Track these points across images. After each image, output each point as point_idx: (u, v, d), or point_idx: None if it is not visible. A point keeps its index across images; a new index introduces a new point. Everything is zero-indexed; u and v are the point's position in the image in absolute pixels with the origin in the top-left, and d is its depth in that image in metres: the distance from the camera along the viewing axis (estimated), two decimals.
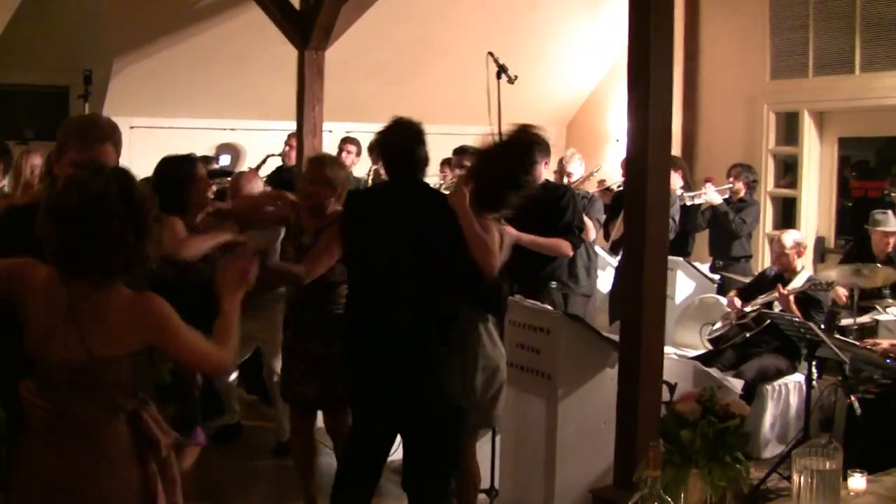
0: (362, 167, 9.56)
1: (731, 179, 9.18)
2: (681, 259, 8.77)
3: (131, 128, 9.69)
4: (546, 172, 6.62)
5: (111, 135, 3.68)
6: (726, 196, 9.12)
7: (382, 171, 8.65)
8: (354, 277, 4.83)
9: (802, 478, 2.95)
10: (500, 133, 5.80)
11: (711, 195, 9.04)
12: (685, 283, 8.69)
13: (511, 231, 6.16)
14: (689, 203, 9.07)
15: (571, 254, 6.47)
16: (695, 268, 8.84)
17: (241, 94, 10.05)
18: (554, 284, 6.63)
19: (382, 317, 4.58)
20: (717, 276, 8.86)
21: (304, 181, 5.42)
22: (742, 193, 9.15)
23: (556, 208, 6.48)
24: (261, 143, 9.95)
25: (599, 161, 10.62)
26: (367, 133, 9.91)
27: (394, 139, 4.79)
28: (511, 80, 5.89)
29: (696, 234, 9.67)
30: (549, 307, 5.74)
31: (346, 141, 9.56)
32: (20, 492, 3.19)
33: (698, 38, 10.71)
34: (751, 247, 9.36)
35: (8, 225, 3.53)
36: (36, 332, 3.12)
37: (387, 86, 10.43)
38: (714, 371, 6.79)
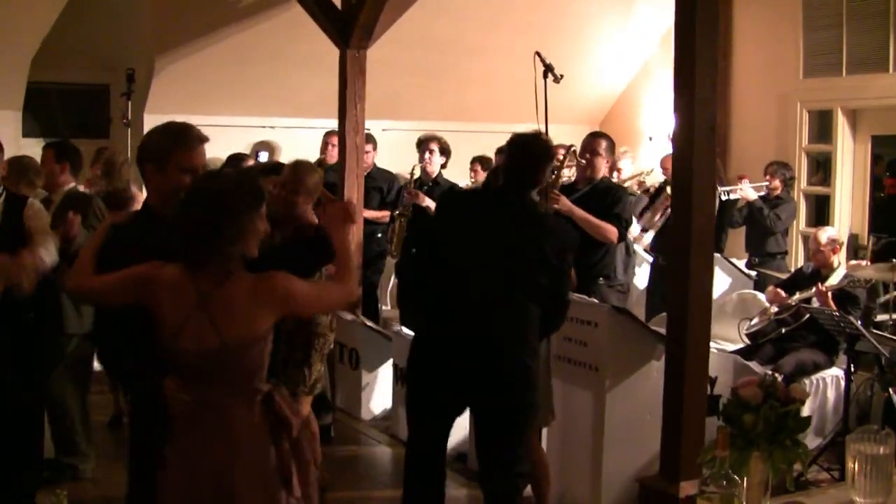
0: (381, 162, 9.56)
1: (767, 177, 9.26)
2: (717, 255, 8.84)
3: None
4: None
5: (202, 136, 3.86)
6: (762, 193, 9.20)
7: (433, 168, 8.78)
8: (444, 279, 4.73)
9: (856, 463, 3.06)
10: (546, 132, 5.94)
11: (747, 191, 9.14)
12: (721, 278, 8.75)
13: (565, 202, 6.33)
14: (724, 198, 9.15)
15: (616, 241, 6.54)
16: (732, 263, 8.92)
17: (278, 93, 10.19)
18: (601, 281, 6.68)
19: (465, 313, 4.61)
20: (753, 273, 8.95)
21: (283, 186, 5.50)
22: (779, 191, 9.23)
23: (607, 200, 6.59)
24: (297, 141, 10.07)
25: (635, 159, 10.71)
26: (405, 131, 10.11)
27: (519, 147, 4.82)
28: (557, 80, 5.99)
29: (732, 231, 9.77)
30: (596, 301, 5.83)
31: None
32: (173, 482, 3.34)
33: (731, 36, 10.77)
34: (786, 243, 9.44)
35: (121, 239, 3.67)
36: (170, 328, 3.28)
37: (425, 84, 10.55)
38: (754, 364, 6.87)
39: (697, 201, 5.02)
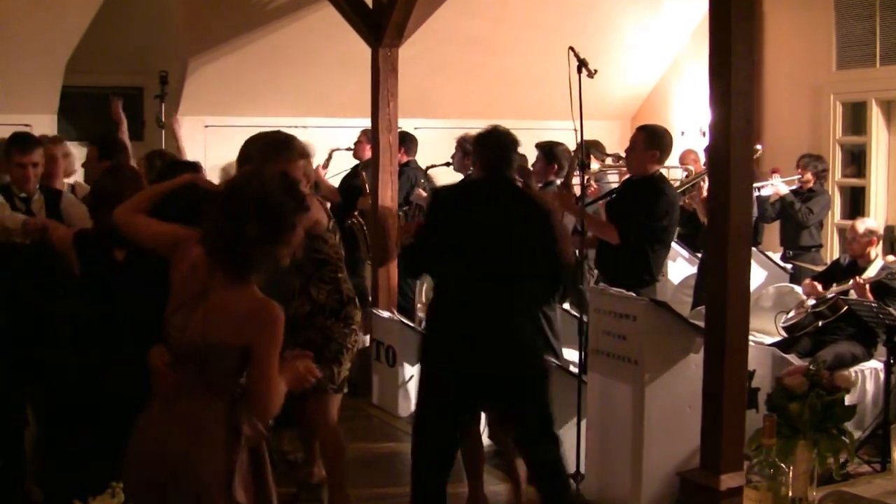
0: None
1: (799, 170, 9.20)
2: (753, 248, 8.80)
3: (206, 127, 9.91)
4: None
5: (304, 151, 3.91)
6: (795, 186, 9.15)
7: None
8: (448, 266, 5.01)
9: None
10: (581, 128, 5.96)
11: (778, 185, 9.09)
12: (757, 271, 8.70)
13: (566, 202, 6.57)
14: (756, 193, 9.11)
15: (616, 242, 6.39)
16: (767, 257, 8.89)
17: (311, 93, 10.22)
18: (645, 283, 6.46)
19: (471, 295, 4.87)
20: (789, 266, 8.91)
21: None
22: (811, 183, 9.17)
23: (639, 203, 6.50)
24: (329, 141, 10.09)
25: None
26: (438, 129, 10.13)
27: (494, 139, 5.17)
28: (591, 74, 5.98)
29: (766, 225, 9.74)
30: (634, 294, 5.82)
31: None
32: (136, 454, 3.36)
33: (763, 28, 10.72)
34: (820, 237, 9.38)
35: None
36: (173, 302, 3.32)
37: (456, 82, 10.56)
38: (792, 357, 6.85)
39: (735, 195, 5.02)
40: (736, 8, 4.97)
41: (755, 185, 9.08)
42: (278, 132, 4.04)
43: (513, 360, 4.85)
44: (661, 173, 6.63)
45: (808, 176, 9.15)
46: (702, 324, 5.33)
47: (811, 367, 3.11)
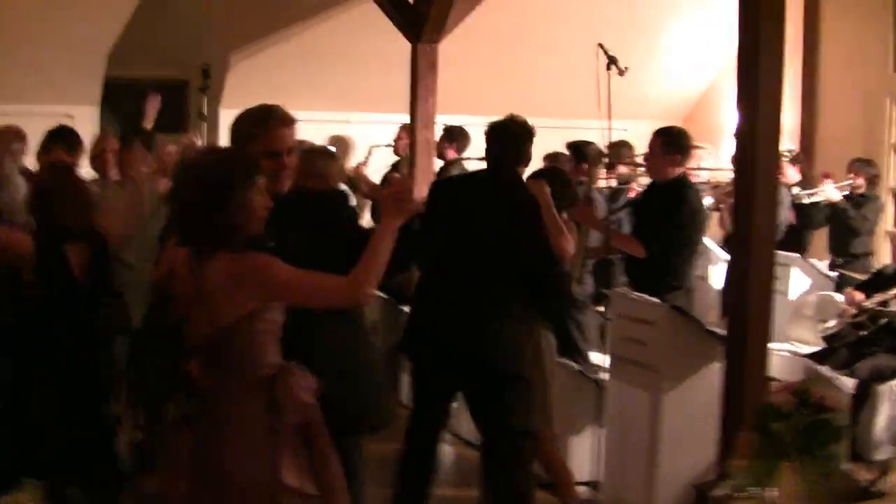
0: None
1: (850, 175, 8.92)
2: (797, 255, 8.60)
3: None
4: None
5: (287, 118, 3.85)
6: (846, 192, 8.88)
7: None
8: (432, 256, 5.01)
9: None
10: (609, 126, 5.82)
11: (829, 192, 8.81)
12: (800, 279, 8.52)
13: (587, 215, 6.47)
14: (807, 201, 8.88)
15: (641, 255, 6.19)
16: (811, 264, 8.65)
17: (354, 87, 10.17)
18: (674, 288, 6.28)
19: (453, 291, 4.86)
20: (833, 274, 8.66)
21: (298, 174, 5.47)
22: (863, 189, 8.88)
23: (662, 210, 6.34)
24: (373, 136, 10.04)
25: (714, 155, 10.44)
26: (475, 126, 9.97)
27: (502, 129, 5.12)
28: (621, 72, 5.83)
29: (816, 231, 9.47)
30: (657, 300, 5.66)
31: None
32: (175, 466, 3.37)
33: (818, 30, 10.45)
34: (872, 244, 9.09)
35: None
36: (181, 313, 3.33)
37: (496, 79, 10.42)
38: (825, 369, 6.64)
39: (760, 199, 4.84)
40: (765, 9, 4.81)
41: (806, 192, 8.89)
42: (260, 105, 3.94)
43: (482, 358, 4.77)
44: (684, 177, 6.45)
45: (860, 181, 8.86)
46: (723, 332, 5.17)
47: (800, 383, 2.94)
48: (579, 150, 7.40)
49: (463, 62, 9.27)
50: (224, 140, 9.02)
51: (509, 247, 4.83)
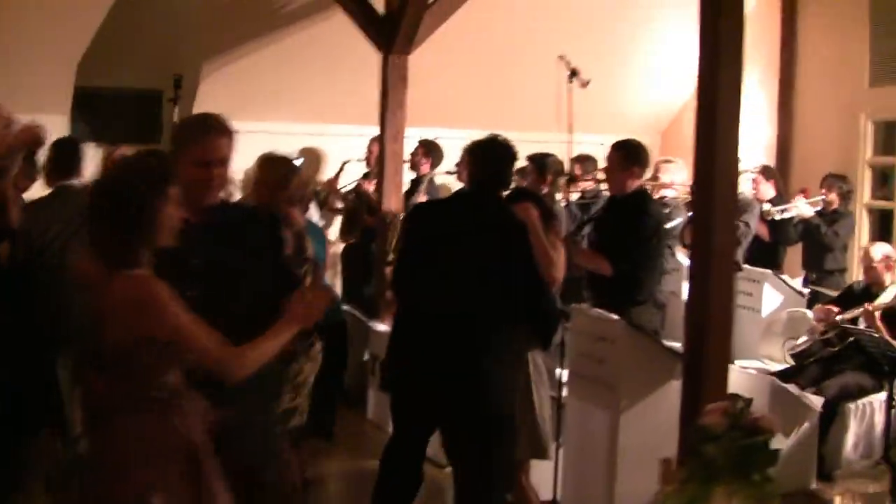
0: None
1: (823, 190, 8.86)
2: (769, 272, 8.54)
3: None
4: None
5: (221, 127, 3.75)
6: (819, 208, 8.81)
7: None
8: (412, 286, 4.86)
9: (844, 502, 2.82)
10: (570, 139, 5.75)
11: (802, 208, 8.74)
12: (773, 295, 8.44)
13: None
14: (778, 217, 8.81)
15: (609, 273, 6.15)
16: (783, 281, 8.59)
17: (328, 98, 10.06)
18: (638, 302, 6.29)
19: (435, 325, 4.62)
20: (806, 290, 8.59)
21: (258, 183, 5.37)
22: (835, 205, 8.81)
23: (625, 224, 6.30)
24: (347, 148, 9.97)
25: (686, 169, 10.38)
26: (451, 139, 9.92)
27: (482, 150, 4.94)
28: (583, 84, 5.76)
29: (790, 247, 9.41)
30: (615, 316, 5.58)
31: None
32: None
33: (795, 44, 10.38)
34: (845, 260, 9.02)
35: None
36: (88, 323, 3.23)
37: (468, 92, 10.33)
38: (792, 387, 6.57)
39: (718, 216, 4.76)
40: (724, 24, 4.74)
41: (778, 208, 8.82)
42: (203, 113, 3.87)
43: (470, 399, 4.55)
44: (644, 190, 6.46)
45: (833, 196, 8.79)
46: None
47: (734, 404, 2.85)
48: (541, 162, 7.32)
49: (435, 74, 9.20)
50: None
51: (496, 275, 4.62)
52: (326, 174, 10.30)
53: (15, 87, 8.72)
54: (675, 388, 5.15)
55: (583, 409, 5.53)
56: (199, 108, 9.64)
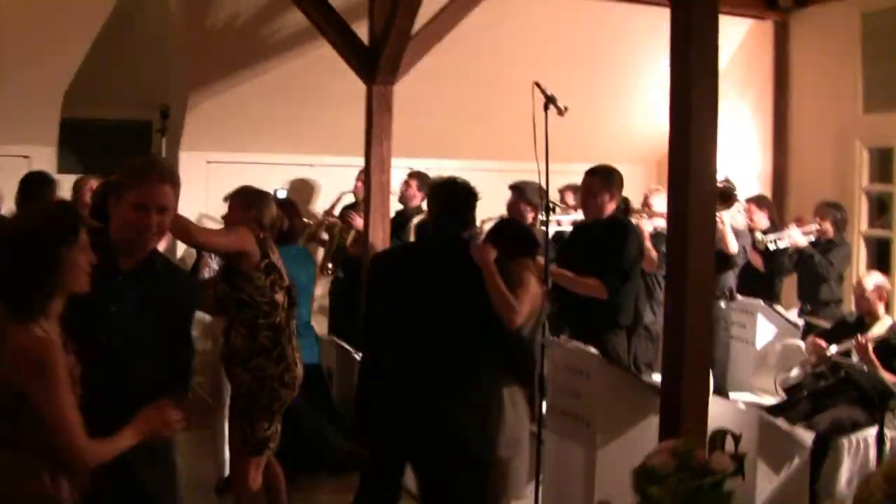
0: None
1: (816, 219, 8.69)
2: (761, 302, 8.39)
3: (208, 162, 9.72)
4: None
5: (163, 175, 3.64)
6: (813, 237, 8.64)
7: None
8: (379, 331, 4.81)
9: None
10: (547, 169, 5.62)
11: (795, 237, 8.55)
12: (766, 327, 8.32)
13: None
14: (771, 248, 8.63)
15: (605, 297, 6.09)
16: (777, 311, 8.43)
17: (316, 130, 9.98)
18: (618, 326, 6.27)
19: (404, 369, 4.60)
20: (800, 321, 8.43)
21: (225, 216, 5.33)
22: (830, 234, 8.64)
23: (610, 245, 6.22)
24: (335, 179, 9.87)
25: None
26: (437, 170, 9.80)
27: (444, 193, 4.91)
28: (560, 112, 5.62)
29: (786, 278, 9.25)
30: (593, 349, 5.45)
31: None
32: None
33: (788, 72, 10.31)
34: (841, 290, 8.84)
35: None
36: None
37: (456, 123, 10.24)
38: (781, 422, 6.39)
39: (694, 245, 4.63)
40: (697, 55, 4.68)
41: (771, 238, 8.65)
42: (140, 158, 3.77)
43: (445, 447, 4.53)
44: (620, 213, 6.54)
45: (826, 225, 8.62)
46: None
47: (681, 443, 2.71)
48: (522, 190, 7.24)
49: (423, 105, 9.13)
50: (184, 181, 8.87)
51: (459, 323, 4.61)
52: (317, 204, 10.21)
53: (1, 119, 8.70)
54: (654, 423, 4.99)
55: (560, 445, 5.39)
56: (186, 139, 9.61)
